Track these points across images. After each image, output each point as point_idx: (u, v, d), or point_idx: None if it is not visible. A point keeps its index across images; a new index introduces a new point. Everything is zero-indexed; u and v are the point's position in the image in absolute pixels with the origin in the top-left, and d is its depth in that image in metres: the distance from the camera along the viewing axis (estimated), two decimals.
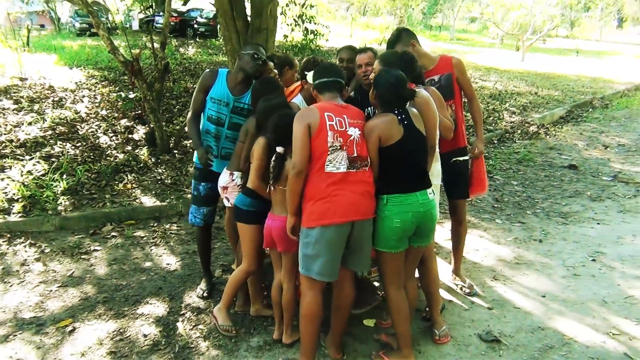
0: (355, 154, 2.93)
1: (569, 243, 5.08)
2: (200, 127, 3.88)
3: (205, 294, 4.05)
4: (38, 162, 6.14)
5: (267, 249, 3.48)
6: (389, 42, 4.14)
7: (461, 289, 4.19)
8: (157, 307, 3.91)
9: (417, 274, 3.55)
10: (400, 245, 3.06)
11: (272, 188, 3.27)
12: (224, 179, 3.68)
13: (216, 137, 3.85)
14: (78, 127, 7.36)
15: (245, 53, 3.80)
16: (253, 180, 3.35)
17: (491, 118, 10.19)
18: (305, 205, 2.97)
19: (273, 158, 3.22)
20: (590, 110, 12.18)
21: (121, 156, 6.64)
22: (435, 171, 3.50)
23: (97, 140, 7.02)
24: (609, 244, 5.05)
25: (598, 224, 5.56)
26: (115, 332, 3.59)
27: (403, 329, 3.18)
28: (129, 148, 6.94)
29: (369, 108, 3.64)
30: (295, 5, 12.69)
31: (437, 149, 3.44)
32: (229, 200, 3.66)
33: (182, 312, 3.84)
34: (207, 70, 3.96)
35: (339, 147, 2.89)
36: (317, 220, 2.90)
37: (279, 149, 3.20)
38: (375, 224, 3.07)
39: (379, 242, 3.07)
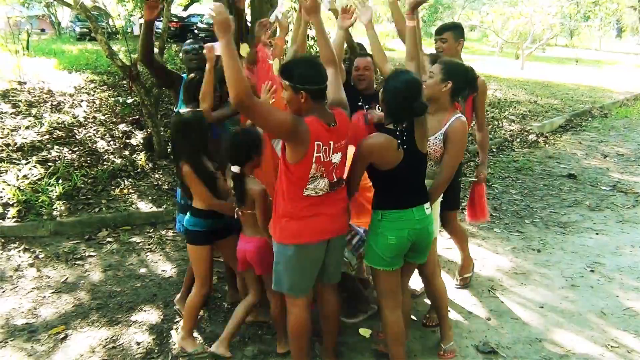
0: (335, 179, 2.80)
1: (567, 253, 5.05)
2: None
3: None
4: (34, 166, 6.10)
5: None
6: (443, 26, 4.09)
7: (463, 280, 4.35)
8: (151, 315, 3.87)
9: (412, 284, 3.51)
10: (395, 263, 2.92)
11: (239, 213, 3.19)
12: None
13: None
14: (76, 131, 7.33)
15: (183, 49, 4.09)
16: (205, 202, 3.21)
17: (490, 126, 10.17)
18: (279, 220, 2.82)
19: (231, 177, 3.10)
20: (590, 119, 12.17)
21: (118, 161, 6.61)
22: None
23: (95, 145, 6.99)
24: (607, 254, 5.02)
25: (597, 234, 5.53)
26: (108, 340, 3.55)
27: (397, 352, 3.06)
28: (127, 153, 6.91)
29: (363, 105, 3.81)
30: (296, 12, 12.66)
31: None
32: None
33: (177, 320, 3.80)
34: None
35: (319, 176, 2.71)
36: (293, 238, 2.79)
37: (234, 169, 3.06)
38: (368, 240, 2.99)
39: (373, 259, 2.94)
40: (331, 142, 2.69)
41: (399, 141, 2.75)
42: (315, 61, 2.70)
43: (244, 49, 3.75)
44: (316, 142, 2.62)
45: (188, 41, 4.21)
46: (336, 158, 2.76)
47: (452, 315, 3.92)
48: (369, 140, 2.81)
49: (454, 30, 4.03)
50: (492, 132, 9.82)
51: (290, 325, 3.00)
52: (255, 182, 3.12)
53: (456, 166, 3.18)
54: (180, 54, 4.16)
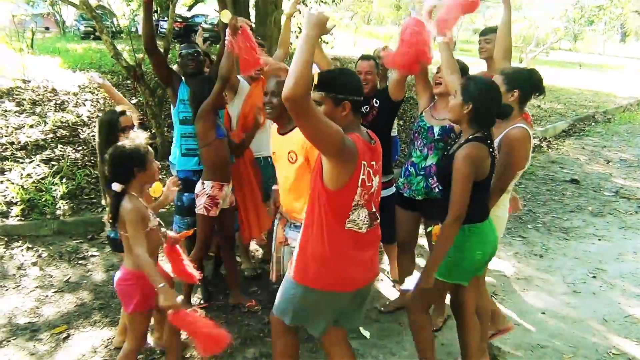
0: (372, 209, 2.45)
1: (569, 259, 5.05)
2: (177, 133, 4.15)
3: (202, 302, 4.02)
4: (38, 165, 6.12)
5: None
6: (488, 28, 4.16)
7: None
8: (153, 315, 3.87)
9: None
10: (472, 277, 2.87)
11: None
12: (198, 187, 3.76)
13: (194, 136, 3.84)
14: (79, 130, 7.34)
15: (179, 53, 4.11)
16: None
17: None
18: (309, 262, 2.42)
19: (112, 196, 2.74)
20: (593, 124, 12.17)
21: None
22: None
23: None
24: (609, 260, 5.01)
25: (599, 239, 5.53)
26: (110, 340, 3.56)
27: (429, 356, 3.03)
28: None
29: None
30: (300, 13, 12.69)
31: None
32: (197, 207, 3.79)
33: None
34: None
35: (361, 205, 2.37)
36: (319, 283, 2.42)
37: (115, 187, 2.68)
38: (452, 257, 2.73)
39: (454, 274, 2.79)
40: (373, 163, 2.38)
41: (490, 149, 2.67)
42: (353, 70, 2.51)
43: (225, 15, 3.77)
44: (362, 162, 2.29)
45: (184, 45, 4.17)
46: (375, 182, 2.43)
47: (454, 321, 3.92)
48: (471, 152, 2.60)
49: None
50: None
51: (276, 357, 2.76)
52: (135, 201, 2.70)
53: (509, 177, 3.05)
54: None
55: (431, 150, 3.51)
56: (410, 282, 3.09)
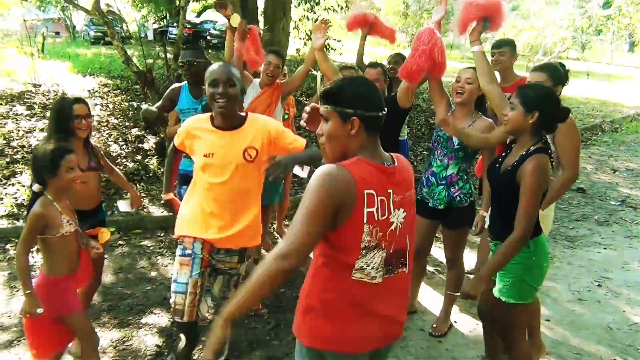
0: (392, 249, 1.91)
1: (575, 267, 5.06)
2: None
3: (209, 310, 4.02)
4: None
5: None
6: (502, 41, 4.27)
7: None
8: (161, 318, 3.92)
9: None
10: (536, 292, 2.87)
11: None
12: None
13: None
14: (89, 134, 7.41)
15: (179, 63, 4.11)
16: None
17: None
18: (305, 315, 1.96)
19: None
20: (600, 133, 12.16)
21: (131, 165, 6.69)
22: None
23: (108, 149, 7.08)
24: (615, 269, 5.03)
25: (605, 248, 5.54)
26: (118, 341, 3.60)
27: None
28: (139, 157, 6.99)
29: None
30: (308, 20, 12.80)
31: None
32: None
33: None
34: (174, 86, 4.27)
35: (375, 246, 1.85)
36: (325, 343, 1.93)
37: (35, 187, 2.69)
38: (519, 276, 2.70)
39: (522, 294, 2.74)
40: (390, 191, 1.88)
41: (551, 160, 2.62)
42: (370, 81, 2.03)
43: (235, 19, 3.84)
44: (366, 192, 1.81)
45: (185, 52, 4.27)
46: (398, 217, 1.91)
47: (459, 326, 3.95)
48: (541, 164, 2.53)
49: (511, 45, 4.26)
50: None
51: None
52: (44, 207, 2.67)
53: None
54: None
55: (451, 160, 3.54)
56: None
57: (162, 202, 3.60)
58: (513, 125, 2.67)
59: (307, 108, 2.09)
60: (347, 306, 1.88)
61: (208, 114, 2.87)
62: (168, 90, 4.25)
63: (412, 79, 3.51)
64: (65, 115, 3.18)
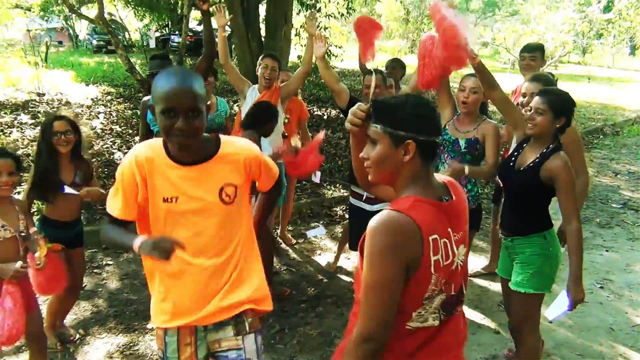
0: (453, 292, 1.69)
1: None
2: None
3: None
4: None
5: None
6: (535, 45, 4.32)
7: None
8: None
9: None
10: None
11: None
12: None
13: None
14: (93, 142, 7.49)
15: (149, 73, 4.06)
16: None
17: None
18: None
19: None
20: (601, 137, 12.18)
21: None
22: None
23: (112, 156, 7.14)
24: (617, 271, 5.05)
25: (607, 251, 5.57)
26: (124, 346, 3.64)
27: None
28: None
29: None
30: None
31: None
32: None
33: None
34: (144, 99, 4.19)
35: (437, 293, 1.62)
36: None
37: None
38: (539, 267, 2.87)
39: (541, 284, 2.88)
40: (449, 230, 1.64)
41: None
42: (428, 100, 1.73)
43: (295, 141, 3.93)
44: (431, 238, 1.54)
45: (150, 62, 4.30)
46: (459, 256, 1.69)
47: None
48: (567, 158, 2.72)
49: (542, 51, 4.30)
50: (504, 149, 9.87)
51: None
52: None
53: None
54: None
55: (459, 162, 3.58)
56: (555, 310, 2.95)
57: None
58: (541, 130, 2.79)
59: (357, 111, 1.74)
60: (401, 358, 1.64)
61: (159, 142, 2.01)
62: (141, 109, 4.27)
63: (434, 86, 3.44)
64: (45, 132, 3.29)
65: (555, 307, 2.91)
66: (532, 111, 2.78)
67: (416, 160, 1.62)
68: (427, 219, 1.54)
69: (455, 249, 1.64)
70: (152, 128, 4.19)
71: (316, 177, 5.35)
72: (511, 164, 2.94)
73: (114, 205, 2.01)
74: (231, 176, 2.03)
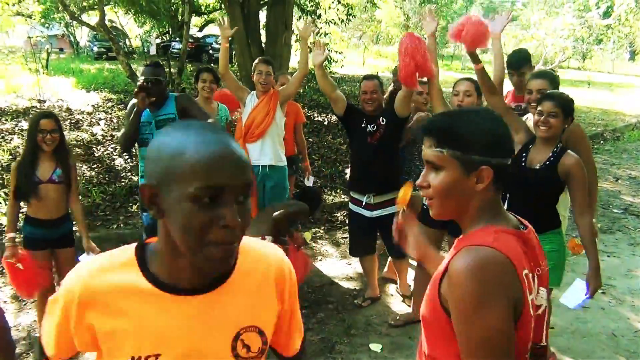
0: (543, 341, 1.43)
1: (578, 274, 5.04)
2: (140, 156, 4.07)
3: None
4: None
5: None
6: (522, 58, 4.21)
7: None
8: None
9: None
10: None
11: None
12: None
13: None
14: (94, 149, 7.50)
15: (141, 82, 3.85)
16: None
17: None
18: None
19: None
20: (602, 142, 12.19)
21: (135, 178, 6.74)
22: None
23: (113, 163, 7.15)
24: (618, 276, 5.04)
25: (608, 256, 5.56)
26: None
27: None
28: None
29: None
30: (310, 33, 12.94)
31: None
32: None
33: None
34: (131, 102, 4.04)
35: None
36: None
37: None
38: (560, 263, 3.08)
39: (557, 279, 3.05)
40: (532, 264, 1.36)
41: None
42: (496, 114, 1.47)
43: (308, 236, 3.96)
44: (524, 273, 1.29)
45: (144, 69, 4.10)
46: (542, 297, 1.40)
47: None
48: (578, 158, 2.88)
49: (527, 59, 4.25)
50: None
51: None
52: None
53: None
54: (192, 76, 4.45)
55: None
56: (575, 299, 3.10)
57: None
58: (556, 131, 2.91)
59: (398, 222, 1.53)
60: None
61: (129, 253, 1.14)
62: (127, 111, 4.11)
63: (409, 82, 3.60)
64: (33, 131, 3.38)
65: (574, 296, 3.03)
66: (545, 115, 2.88)
67: (489, 189, 1.35)
68: (515, 252, 1.28)
69: (538, 286, 1.36)
70: (142, 135, 3.95)
71: (309, 182, 5.34)
72: (522, 164, 3.03)
73: (48, 341, 1.21)
74: (254, 313, 1.19)
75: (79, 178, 6.31)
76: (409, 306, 4.27)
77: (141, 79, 3.90)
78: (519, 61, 4.12)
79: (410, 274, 4.42)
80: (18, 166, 3.43)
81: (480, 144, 1.32)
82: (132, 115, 3.79)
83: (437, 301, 1.31)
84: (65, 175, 3.50)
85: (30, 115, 8.54)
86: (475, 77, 3.48)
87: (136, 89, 3.75)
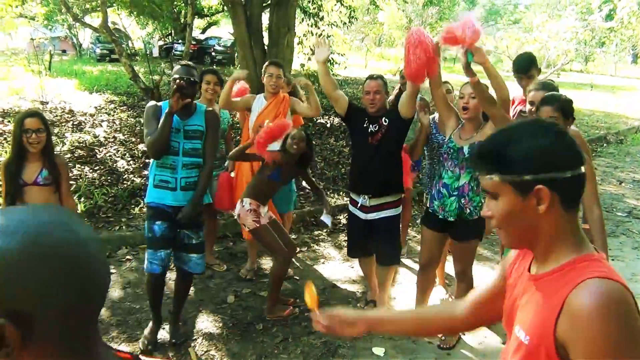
0: None
1: None
2: (151, 164, 3.64)
3: (149, 346, 3.65)
4: None
5: None
6: (528, 60, 4.17)
7: None
8: (169, 332, 3.93)
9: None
10: None
11: None
12: (238, 207, 3.95)
13: (172, 168, 3.49)
14: (96, 150, 7.49)
15: (171, 79, 3.60)
16: None
17: None
18: None
19: None
20: (605, 145, 12.17)
21: (138, 180, 6.73)
22: None
23: (115, 164, 7.13)
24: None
25: (612, 260, 5.52)
26: None
27: None
28: (146, 172, 7.03)
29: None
30: (312, 35, 12.93)
31: None
32: (245, 226, 3.97)
33: (194, 337, 3.86)
34: (149, 104, 3.62)
35: None
36: None
37: None
38: None
39: None
40: None
41: None
42: (546, 122, 1.36)
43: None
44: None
45: (176, 68, 3.68)
46: None
47: (467, 339, 3.94)
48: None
49: (532, 62, 4.18)
50: None
51: None
52: None
53: None
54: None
55: (463, 169, 3.56)
56: None
57: None
58: None
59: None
60: None
61: None
62: (147, 114, 3.55)
63: (417, 77, 3.53)
64: (16, 129, 3.25)
65: None
66: None
67: (556, 208, 1.23)
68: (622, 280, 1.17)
69: None
70: (171, 142, 3.47)
71: (327, 219, 5.21)
72: None
73: None
74: None
75: (80, 180, 6.33)
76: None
77: (175, 77, 3.53)
78: (525, 64, 4.09)
79: (411, 278, 4.40)
80: (4, 168, 3.30)
81: (528, 162, 1.22)
82: (164, 117, 3.34)
83: (552, 347, 1.17)
84: (52, 176, 3.34)
85: None
86: (481, 79, 3.44)
87: (174, 87, 3.38)
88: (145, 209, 5.96)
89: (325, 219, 4.26)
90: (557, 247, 1.26)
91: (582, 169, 1.23)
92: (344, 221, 6.33)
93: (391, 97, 4.34)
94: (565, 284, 1.18)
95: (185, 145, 3.50)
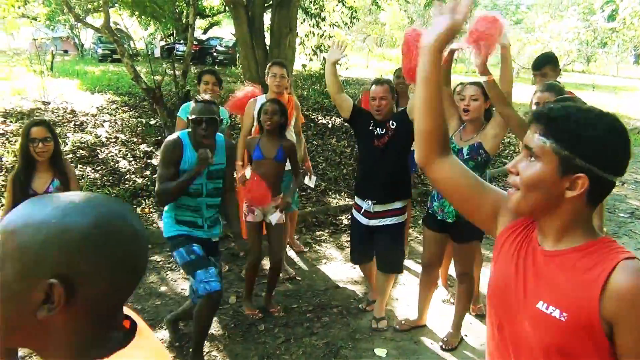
0: None
1: None
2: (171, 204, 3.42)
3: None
4: None
5: None
6: (544, 59, 4.14)
7: None
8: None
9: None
10: None
11: None
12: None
13: (196, 209, 3.40)
14: (98, 151, 7.49)
15: (191, 119, 3.26)
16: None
17: (507, 151, 10.20)
18: None
19: None
20: None
21: (140, 181, 6.74)
22: None
23: (117, 165, 7.14)
24: None
25: None
26: None
27: None
28: (148, 173, 7.03)
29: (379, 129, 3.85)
30: (314, 36, 12.92)
31: None
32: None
33: None
34: (168, 140, 3.33)
35: None
36: None
37: None
38: None
39: None
40: None
41: None
42: (623, 125, 1.29)
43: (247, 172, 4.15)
44: None
45: (195, 105, 3.34)
46: None
47: (469, 340, 3.94)
48: None
49: (551, 62, 4.12)
50: (509, 157, 9.85)
51: None
52: None
53: None
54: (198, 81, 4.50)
55: None
56: None
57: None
58: None
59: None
60: None
61: None
62: (165, 152, 3.29)
63: (408, 79, 3.40)
64: (23, 139, 3.19)
65: None
66: None
67: (581, 200, 1.26)
68: None
69: None
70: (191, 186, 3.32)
71: (311, 181, 5.29)
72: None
73: None
74: None
75: (82, 180, 6.33)
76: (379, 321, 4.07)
77: (193, 117, 3.23)
78: (539, 61, 4.10)
79: (413, 279, 4.39)
80: (14, 179, 3.19)
81: (590, 149, 1.21)
82: (188, 176, 3.18)
83: (598, 324, 1.21)
84: (64, 187, 3.26)
85: (35, 117, 8.56)
86: (477, 80, 3.42)
87: (202, 141, 3.21)
88: (149, 212, 5.99)
89: (309, 182, 4.65)
90: (572, 229, 1.30)
91: (619, 179, 1.28)
92: (345, 222, 6.32)
93: None
94: (595, 264, 1.24)
95: (209, 185, 3.39)
